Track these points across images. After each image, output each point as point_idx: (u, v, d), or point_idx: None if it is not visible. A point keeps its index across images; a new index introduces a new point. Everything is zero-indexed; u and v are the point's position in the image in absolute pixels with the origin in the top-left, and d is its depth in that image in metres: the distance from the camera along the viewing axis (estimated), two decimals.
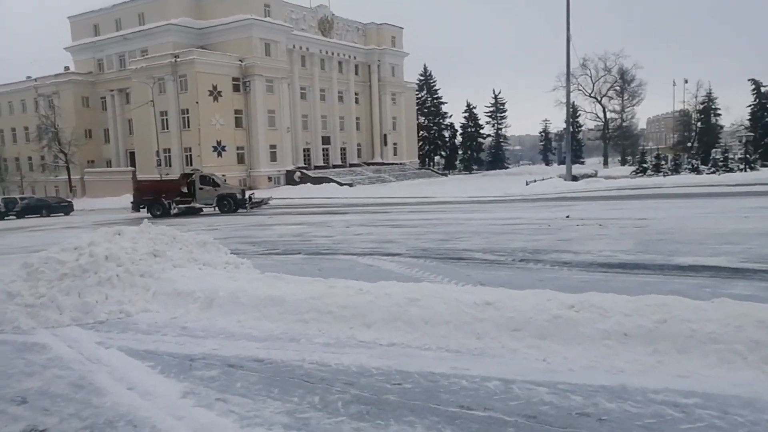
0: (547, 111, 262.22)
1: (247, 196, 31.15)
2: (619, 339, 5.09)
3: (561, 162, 75.78)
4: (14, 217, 37.23)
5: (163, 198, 30.22)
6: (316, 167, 60.68)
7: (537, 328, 5.39)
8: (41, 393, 4.83)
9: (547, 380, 4.55)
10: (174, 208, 30.22)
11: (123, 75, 57.45)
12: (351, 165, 65.00)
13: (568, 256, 10.40)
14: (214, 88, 52.08)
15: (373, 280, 7.19)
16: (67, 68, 63.32)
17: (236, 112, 54.62)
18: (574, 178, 36.99)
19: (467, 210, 23.29)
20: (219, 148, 52.60)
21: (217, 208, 29.98)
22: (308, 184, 53.18)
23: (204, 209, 30.73)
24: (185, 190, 30.89)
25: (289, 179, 56.03)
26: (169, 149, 52.63)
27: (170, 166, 52.24)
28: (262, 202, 32.01)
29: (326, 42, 63.65)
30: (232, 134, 54.03)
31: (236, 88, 54.41)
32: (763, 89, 57.23)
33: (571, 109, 37.64)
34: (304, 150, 61.44)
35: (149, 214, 29.73)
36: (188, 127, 52.25)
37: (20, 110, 64.54)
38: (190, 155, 52.52)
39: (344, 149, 66.68)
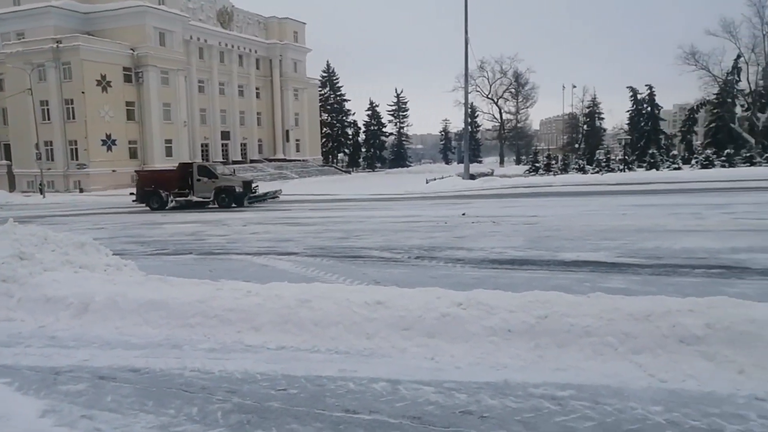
0: (447, 111, 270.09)
1: (252, 189, 27.95)
2: (503, 335, 5.21)
3: (460, 161, 78.19)
4: None
5: (162, 190, 27.51)
6: (215, 163, 58.64)
7: (426, 326, 5.41)
8: None
9: (434, 379, 4.56)
10: (171, 202, 27.54)
11: None
12: (252, 161, 63.46)
13: (461, 252, 10.65)
14: (103, 77, 48.87)
15: (266, 281, 6.95)
16: None
17: (128, 104, 51.58)
18: (472, 177, 38.26)
19: (368, 207, 23.37)
20: (109, 142, 49.47)
21: (214, 202, 27.23)
22: None
23: (209, 203, 27.50)
24: (185, 181, 27.87)
25: None
26: (51, 142, 48.77)
27: (52, 160, 48.46)
28: (266, 196, 28.98)
29: (226, 34, 61.68)
30: (124, 127, 50.98)
31: (128, 79, 51.36)
32: (639, 96, 61.97)
33: (469, 110, 38.86)
34: (202, 145, 59.25)
35: (147, 207, 27.59)
36: (73, 118, 48.65)
37: None
38: (76, 149, 48.95)
39: (245, 145, 65.01)
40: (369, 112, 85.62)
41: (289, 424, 3.88)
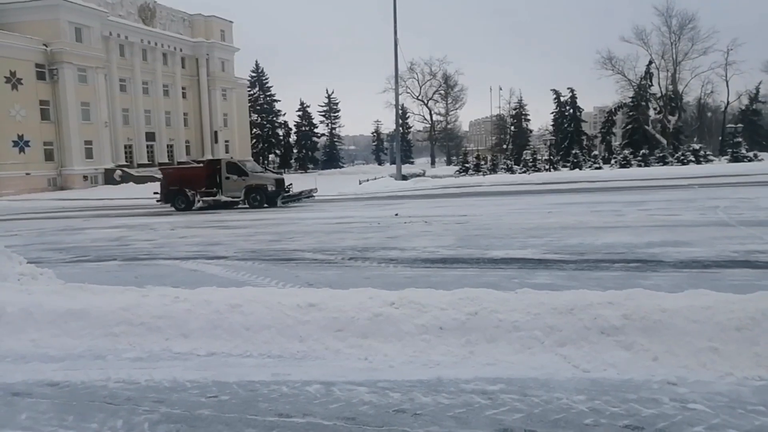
0: (378, 112, 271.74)
1: (285, 187, 25.60)
2: (435, 333, 5.29)
3: (393, 162, 78.73)
4: None
5: (188, 188, 25.15)
6: (140, 165, 56.46)
7: (359, 327, 5.42)
8: None
9: (368, 379, 4.58)
10: (198, 201, 25.20)
11: None
12: (179, 163, 61.40)
13: (394, 252, 10.74)
14: (12, 74, 46.00)
15: (195, 287, 6.75)
16: None
17: (42, 102, 48.79)
18: (404, 178, 38.68)
19: (300, 209, 23.17)
20: (21, 143, 46.64)
21: (245, 202, 24.84)
22: (130, 183, 49.36)
23: (238, 203, 25.25)
24: (213, 179, 25.60)
25: (109, 178, 51.47)
26: None
27: None
28: (301, 195, 26.54)
29: (148, 31, 59.49)
30: (38, 128, 48.18)
31: (41, 76, 48.61)
32: (562, 98, 64.55)
33: (400, 111, 39.29)
34: (125, 146, 56.85)
35: (172, 207, 25.34)
36: None
37: None
38: None
39: (171, 146, 62.91)
40: (300, 113, 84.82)
41: (212, 427, 3.79)
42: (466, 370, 4.70)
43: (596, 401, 4.04)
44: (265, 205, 24.48)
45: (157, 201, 26.32)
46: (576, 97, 64.06)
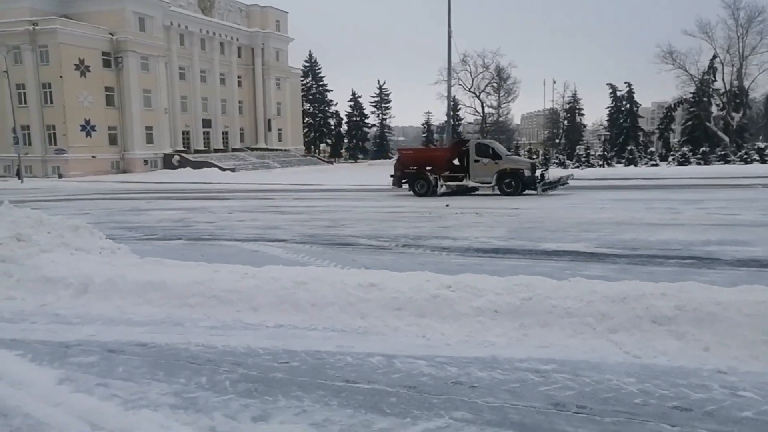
0: (429, 104, 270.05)
1: (539, 173, 23.25)
2: (490, 315, 5.55)
3: None
4: None
5: (429, 172, 23.52)
6: (197, 151, 58.34)
7: (417, 307, 5.73)
8: None
9: (426, 354, 4.89)
10: (441, 186, 23.38)
11: None
12: (233, 150, 63.17)
13: (446, 241, 11.00)
14: (81, 62, 48.24)
15: (259, 266, 7.21)
16: None
17: (107, 89, 51.02)
18: None
19: (353, 198, 23.63)
20: (88, 128, 48.92)
21: (496, 188, 22.71)
22: (187, 168, 51.05)
23: (479, 189, 23.54)
24: (456, 162, 24.12)
25: (167, 163, 53.40)
26: (29, 126, 48.04)
27: (30, 144, 47.77)
28: (559, 182, 23.67)
29: (207, 21, 61.13)
30: (103, 113, 50.45)
31: (107, 64, 50.80)
32: (618, 93, 62.96)
33: (451, 103, 39.27)
34: (183, 133, 58.78)
35: (411, 191, 23.88)
36: (51, 102, 48.02)
37: None
38: (54, 134, 48.36)
39: (226, 133, 64.61)
40: (351, 103, 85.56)
41: (294, 392, 4.18)
42: (520, 351, 4.95)
43: (646, 384, 4.23)
44: (521, 192, 22.32)
45: (393, 185, 25.16)
46: (633, 92, 62.43)
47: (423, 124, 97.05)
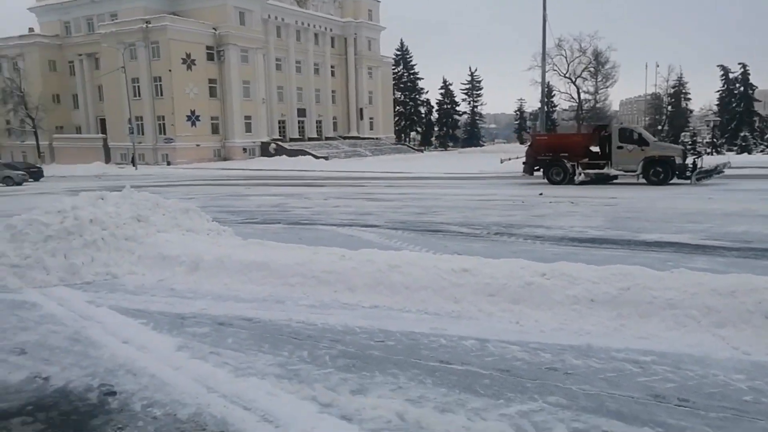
0: (522, 90, 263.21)
1: (690, 161, 21.45)
2: (586, 304, 5.47)
3: None
4: None
5: (565, 159, 22.20)
6: (292, 140, 60.34)
7: (511, 293, 5.74)
8: (39, 345, 5.02)
9: (520, 340, 4.91)
10: (579, 174, 21.95)
11: (92, 39, 55.78)
12: (327, 138, 64.74)
13: (540, 230, 10.82)
14: (188, 56, 51.13)
15: (354, 249, 7.45)
16: (31, 30, 61.03)
17: (210, 81, 53.81)
18: None
19: (443, 185, 23.65)
20: (193, 118, 51.88)
21: (641, 176, 20.86)
22: (283, 156, 52.93)
23: (619, 177, 21.87)
24: (596, 149, 22.71)
25: (264, 151, 55.65)
26: (142, 117, 51.66)
27: (142, 134, 51.41)
28: (715, 171, 21.28)
29: (302, 13, 62.80)
30: (207, 104, 53.29)
31: (210, 57, 53.52)
32: (731, 75, 58.50)
33: (545, 89, 38.08)
34: (279, 122, 60.94)
35: (546, 179, 22.71)
36: (161, 95, 51.35)
37: None
38: (164, 124, 51.72)
39: (320, 122, 66.31)
40: (442, 91, 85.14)
41: (390, 369, 4.35)
42: (617, 341, 4.85)
43: (757, 381, 4.03)
44: (669, 177, 20.53)
45: (524, 172, 24.33)
46: (748, 74, 57.86)
47: (516, 111, 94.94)
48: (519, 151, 52.93)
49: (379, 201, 17.62)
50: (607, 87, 78.37)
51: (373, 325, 5.35)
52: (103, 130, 56.27)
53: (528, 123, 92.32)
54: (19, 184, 33.35)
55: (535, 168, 23.50)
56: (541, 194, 17.66)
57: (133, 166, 46.25)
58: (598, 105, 79.21)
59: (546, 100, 38.10)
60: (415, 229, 11.44)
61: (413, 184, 24.78)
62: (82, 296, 6.65)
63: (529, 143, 24.85)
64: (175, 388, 4.05)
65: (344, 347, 4.83)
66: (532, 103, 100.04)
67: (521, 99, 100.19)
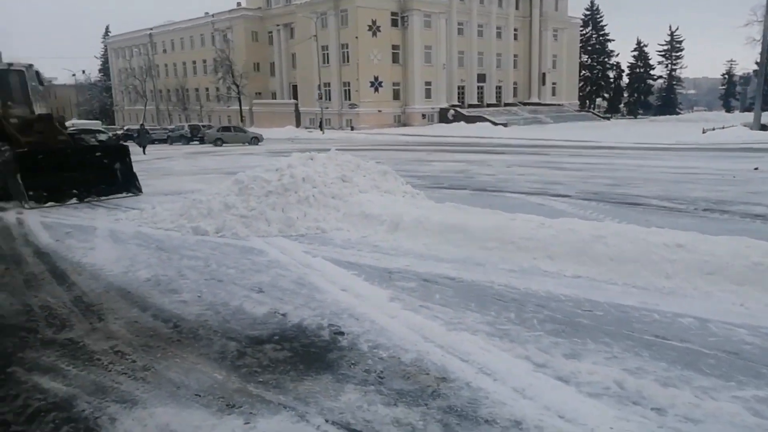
0: (731, 51, 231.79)
1: None
2: None
3: (746, 109, 67.76)
4: (197, 143, 41.35)
5: None
6: (470, 106, 60.03)
7: (734, 273, 5.29)
8: (272, 286, 5.76)
9: (746, 323, 4.53)
10: None
11: (288, 10, 60.18)
12: (506, 104, 63.38)
13: (759, 209, 9.69)
14: (374, 23, 52.94)
15: (548, 218, 7.34)
16: (239, 4, 67.57)
17: (393, 47, 55.30)
18: (764, 128, 33.02)
19: (635, 156, 22.03)
20: (376, 84, 53.93)
21: None
22: (461, 122, 53.01)
23: None
24: None
25: (442, 117, 56.18)
26: (329, 83, 54.92)
27: (329, 99, 54.68)
28: None
29: None
30: (389, 70, 54.97)
31: (394, 23, 54.90)
32: None
33: (767, 48, 33.10)
34: (458, 87, 60.89)
35: None
36: (347, 62, 54.02)
37: (199, 44, 70.34)
38: (349, 90, 54.50)
39: (499, 88, 65.00)
40: (635, 53, 78.45)
41: (601, 338, 4.30)
42: None
43: None
44: None
45: None
46: None
47: (723, 75, 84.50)
48: (724, 120, 47.20)
49: (565, 170, 16.97)
50: None
51: (577, 294, 5.29)
52: (295, 96, 60.90)
53: (737, 88, 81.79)
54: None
55: None
56: (756, 169, 15.68)
57: (321, 130, 49.54)
58: None
59: (766, 61, 33.31)
60: (610, 200, 10.88)
61: (601, 154, 23.42)
62: (298, 246, 7.42)
63: None
64: (394, 334, 4.42)
65: (551, 312, 4.85)
66: (746, 65, 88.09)
67: (731, 60, 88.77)
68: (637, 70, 77.95)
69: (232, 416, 3.33)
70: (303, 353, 4.17)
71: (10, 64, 14.00)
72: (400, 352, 4.11)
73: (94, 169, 12.73)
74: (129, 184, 13.18)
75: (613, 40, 79.28)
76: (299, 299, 5.33)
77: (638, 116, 74.87)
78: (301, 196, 8.73)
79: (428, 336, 4.37)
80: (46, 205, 11.57)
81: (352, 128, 52.67)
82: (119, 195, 12.75)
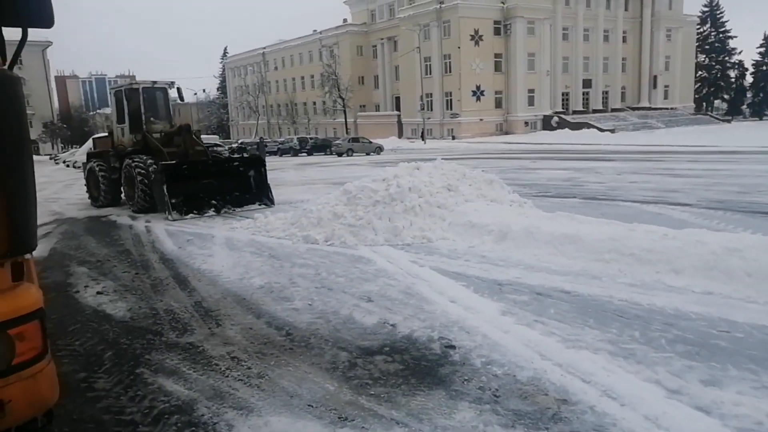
0: None
1: None
2: None
3: None
4: (305, 154, 42.84)
5: None
6: (575, 112, 57.89)
7: None
8: (380, 295, 5.74)
9: None
10: None
11: (392, 24, 61.19)
12: (613, 110, 60.47)
13: None
14: (476, 32, 52.53)
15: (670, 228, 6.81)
16: (345, 20, 69.71)
17: (496, 56, 54.55)
18: None
19: (763, 161, 20.14)
20: (478, 93, 53.41)
21: None
22: (566, 129, 51.24)
23: None
24: None
25: (546, 124, 54.58)
26: (431, 94, 55.05)
27: (431, 110, 54.77)
28: None
29: None
30: (491, 78, 54.25)
31: (497, 32, 54.17)
32: None
33: None
34: (562, 94, 58.93)
35: None
36: (449, 72, 53.90)
37: (308, 60, 73.19)
38: (450, 99, 54.34)
39: (606, 93, 62.14)
40: (762, 50, 72.02)
41: (744, 363, 3.86)
42: None
43: None
44: None
45: None
46: None
47: None
48: None
49: (683, 177, 15.81)
50: None
51: (710, 313, 4.82)
52: (398, 107, 61.60)
53: None
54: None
55: None
56: None
57: (423, 140, 49.68)
58: None
59: None
60: (739, 210, 9.96)
61: (723, 159, 21.63)
62: (405, 256, 7.39)
63: None
64: (508, 350, 4.23)
65: (681, 332, 4.45)
66: None
67: None
68: (764, 67, 71.55)
69: (344, 429, 3.30)
70: (414, 366, 4.08)
71: (155, 82, 14.91)
72: (515, 369, 3.92)
73: (232, 179, 12.96)
74: (263, 195, 13.27)
75: (735, 37, 73.51)
76: (408, 310, 5.26)
77: (764, 117, 68.73)
78: (407, 205, 8.71)
79: (545, 353, 4.14)
80: (187, 217, 11.83)
81: (453, 137, 52.41)
82: (253, 206, 12.84)
